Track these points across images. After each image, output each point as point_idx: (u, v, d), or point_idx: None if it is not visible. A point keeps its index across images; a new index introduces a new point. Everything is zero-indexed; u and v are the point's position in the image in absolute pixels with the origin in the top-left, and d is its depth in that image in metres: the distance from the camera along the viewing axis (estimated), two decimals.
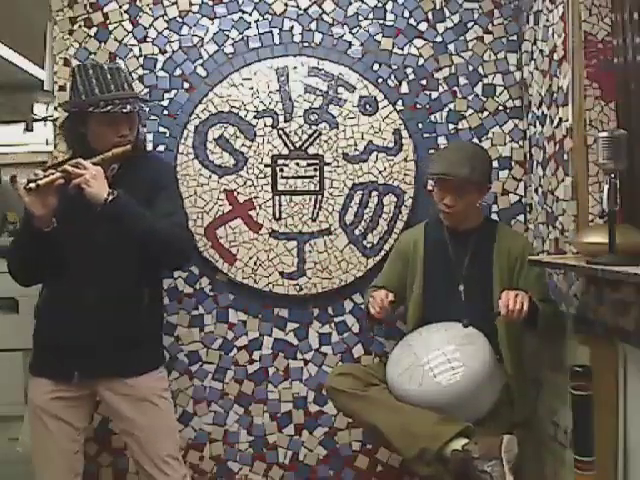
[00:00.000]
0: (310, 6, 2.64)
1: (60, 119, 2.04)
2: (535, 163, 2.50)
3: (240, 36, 2.63)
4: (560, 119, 2.21)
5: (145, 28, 2.62)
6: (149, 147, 2.59)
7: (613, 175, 1.70)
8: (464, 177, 2.13)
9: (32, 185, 1.79)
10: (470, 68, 2.64)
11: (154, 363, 2.05)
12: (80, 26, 2.60)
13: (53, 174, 1.83)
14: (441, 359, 2.01)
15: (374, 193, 2.59)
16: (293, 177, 2.58)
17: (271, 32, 2.63)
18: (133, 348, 1.96)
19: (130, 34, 2.61)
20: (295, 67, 2.60)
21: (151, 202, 1.94)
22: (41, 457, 1.97)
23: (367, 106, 2.60)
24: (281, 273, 2.58)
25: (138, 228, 1.86)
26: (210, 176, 2.57)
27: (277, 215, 2.58)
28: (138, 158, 2.02)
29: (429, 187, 2.58)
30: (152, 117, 2.60)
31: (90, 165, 1.86)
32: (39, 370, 1.99)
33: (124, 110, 1.92)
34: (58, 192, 1.89)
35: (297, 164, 2.59)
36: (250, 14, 2.63)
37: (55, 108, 2.57)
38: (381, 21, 2.64)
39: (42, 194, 1.82)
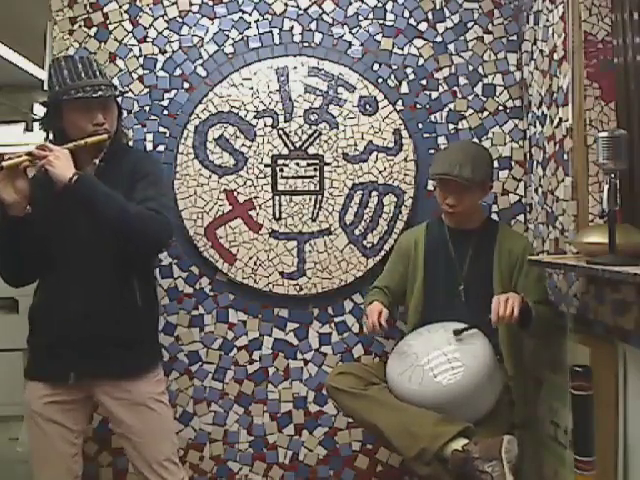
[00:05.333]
0: (310, 6, 2.64)
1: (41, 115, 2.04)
2: (535, 163, 2.50)
3: (240, 36, 2.63)
4: (560, 119, 2.21)
5: (145, 28, 2.62)
6: (149, 147, 2.59)
7: (613, 175, 1.69)
8: (466, 178, 2.13)
9: None
10: (470, 68, 2.64)
11: (151, 362, 2.03)
12: (80, 26, 2.60)
13: (19, 157, 1.82)
14: (441, 359, 2.01)
15: (374, 193, 2.59)
16: (293, 177, 2.59)
17: (271, 32, 2.63)
18: (128, 347, 1.94)
19: (130, 34, 2.62)
20: (295, 67, 2.60)
21: (131, 193, 1.91)
22: (39, 461, 1.95)
23: (367, 106, 2.60)
24: (281, 273, 2.58)
25: (108, 210, 1.80)
26: (210, 176, 2.57)
27: (277, 215, 2.59)
28: (121, 153, 2.01)
29: (431, 187, 2.59)
30: (152, 117, 2.60)
31: (55, 147, 1.84)
32: (35, 373, 1.97)
33: (94, 95, 1.90)
34: (42, 186, 1.89)
35: (297, 164, 2.59)
36: (250, 14, 2.64)
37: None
38: (381, 21, 2.64)
39: (11, 179, 1.82)
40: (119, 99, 2.07)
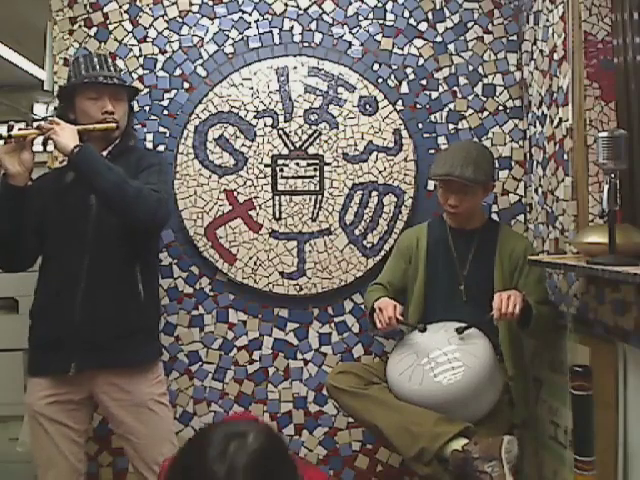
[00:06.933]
0: (310, 6, 2.64)
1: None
2: (535, 163, 2.50)
3: (240, 36, 2.63)
4: (560, 119, 2.21)
5: (145, 28, 2.62)
6: (149, 147, 2.59)
7: (613, 175, 1.69)
8: (468, 178, 2.13)
9: (4, 134, 1.84)
10: (470, 68, 2.64)
11: (151, 356, 2.04)
12: (80, 26, 2.60)
13: (27, 129, 1.88)
14: (441, 359, 2.01)
15: (374, 193, 2.59)
16: (293, 177, 2.58)
17: (271, 32, 2.63)
18: (129, 339, 1.95)
19: (130, 34, 2.62)
20: (295, 67, 2.60)
21: None
22: (43, 461, 1.95)
23: (367, 106, 2.60)
24: (281, 273, 2.58)
25: (107, 181, 1.82)
26: (210, 176, 2.57)
27: (277, 215, 2.58)
28: (128, 151, 2.05)
29: (431, 187, 2.59)
30: (152, 117, 2.60)
31: (63, 122, 1.90)
32: (36, 368, 1.98)
33: (104, 81, 1.97)
34: (54, 180, 1.97)
35: (297, 164, 2.59)
36: (250, 14, 2.64)
37: (55, 108, 2.58)
38: (381, 21, 2.64)
39: (17, 150, 1.86)
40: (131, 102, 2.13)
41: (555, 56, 2.24)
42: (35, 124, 1.93)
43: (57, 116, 2.03)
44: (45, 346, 1.96)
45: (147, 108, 2.60)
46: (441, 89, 2.64)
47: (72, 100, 2.01)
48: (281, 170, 2.59)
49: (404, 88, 2.64)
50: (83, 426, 2.02)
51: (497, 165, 2.58)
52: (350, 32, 2.64)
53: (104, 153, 1.99)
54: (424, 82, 2.64)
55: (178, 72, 2.62)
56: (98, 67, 2.01)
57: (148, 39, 2.62)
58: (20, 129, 1.88)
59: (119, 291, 1.95)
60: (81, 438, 2.00)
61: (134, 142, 2.15)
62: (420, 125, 2.63)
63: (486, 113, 2.64)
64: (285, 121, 2.59)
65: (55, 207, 1.97)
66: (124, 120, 2.05)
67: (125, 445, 2.01)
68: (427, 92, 2.64)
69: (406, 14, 2.64)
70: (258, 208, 2.58)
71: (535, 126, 2.50)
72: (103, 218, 1.92)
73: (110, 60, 2.07)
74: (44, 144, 1.91)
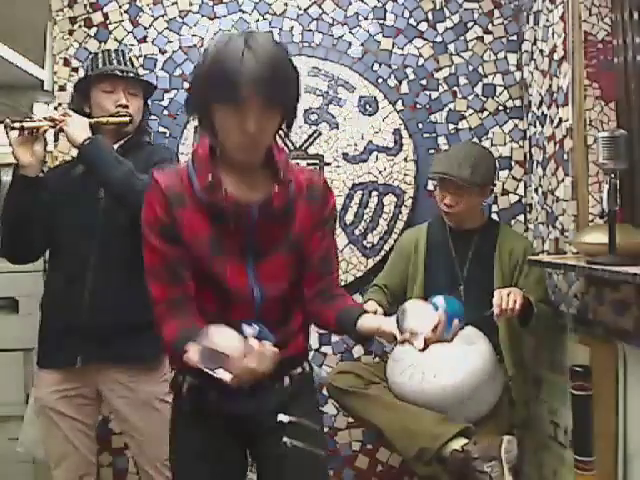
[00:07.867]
0: (310, 6, 2.64)
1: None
2: (535, 163, 2.51)
3: None
4: (560, 119, 2.21)
5: (145, 28, 2.62)
6: None
7: (613, 175, 1.70)
8: (464, 178, 2.13)
9: (17, 125, 1.84)
10: (470, 68, 2.64)
11: (155, 352, 2.04)
12: (80, 26, 2.61)
13: (40, 121, 1.89)
14: (441, 359, 2.01)
15: (374, 193, 2.59)
16: None
17: (271, 32, 2.63)
18: (134, 333, 1.94)
19: (130, 34, 2.62)
20: None
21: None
22: (56, 455, 1.96)
23: (367, 106, 2.60)
24: None
25: (116, 171, 1.82)
26: None
27: None
28: (139, 145, 2.04)
29: (431, 187, 2.59)
30: (152, 117, 2.60)
31: (75, 114, 1.91)
32: (44, 360, 1.98)
33: (120, 74, 1.98)
34: (63, 174, 1.97)
35: (297, 164, 2.58)
36: (250, 14, 2.64)
37: (55, 108, 2.58)
38: (381, 21, 2.64)
39: (30, 141, 1.87)
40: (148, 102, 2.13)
41: (555, 56, 2.24)
42: (48, 115, 1.93)
43: (72, 109, 2.04)
44: (53, 339, 1.97)
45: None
46: (441, 89, 2.64)
47: (87, 93, 2.01)
48: None
49: (404, 88, 2.64)
50: (93, 421, 2.03)
51: (497, 165, 2.58)
52: (350, 32, 2.64)
53: (115, 147, 1.99)
54: (424, 82, 2.64)
55: (178, 72, 2.62)
56: (115, 61, 2.02)
57: (148, 39, 2.62)
58: (33, 120, 1.89)
59: (126, 286, 1.95)
60: (92, 432, 2.02)
61: (147, 139, 2.16)
62: (420, 125, 2.63)
63: (486, 113, 2.64)
64: None
65: (63, 200, 1.97)
66: (138, 115, 2.04)
67: (129, 442, 2.02)
68: (427, 92, 2.64)
69: (406, 14, 2.64)
70: None
71: (535, 126, 2.50)
72: (112, 212, 1.92)
73: (128, 56, 2.08)
74: (56, 136, 1.91)
